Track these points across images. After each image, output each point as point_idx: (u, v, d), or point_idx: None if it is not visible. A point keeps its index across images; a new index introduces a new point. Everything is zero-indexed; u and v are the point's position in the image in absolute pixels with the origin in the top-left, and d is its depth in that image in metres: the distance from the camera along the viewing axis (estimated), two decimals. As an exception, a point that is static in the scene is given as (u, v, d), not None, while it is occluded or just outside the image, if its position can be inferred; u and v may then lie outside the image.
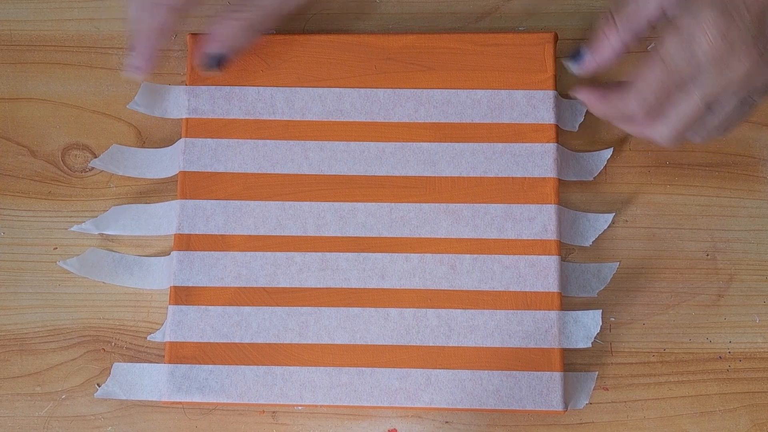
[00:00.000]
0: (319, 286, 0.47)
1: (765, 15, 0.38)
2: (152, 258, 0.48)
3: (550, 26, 0.52)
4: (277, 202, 0.48)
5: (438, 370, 0.45)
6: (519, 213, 0.47)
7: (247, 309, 0.47)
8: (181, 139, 0.49)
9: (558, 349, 0.45)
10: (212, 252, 0.47)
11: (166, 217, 0.48)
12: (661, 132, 0.42)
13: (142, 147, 0.50)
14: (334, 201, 0.48)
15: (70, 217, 0.49)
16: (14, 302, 0.48)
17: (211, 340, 0.46)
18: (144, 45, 0.46)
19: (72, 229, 0.48)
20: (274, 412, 0.47)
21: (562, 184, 0.48)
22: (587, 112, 0.49)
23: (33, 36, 0.53)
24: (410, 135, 0.49)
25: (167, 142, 0.50)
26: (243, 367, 0.46)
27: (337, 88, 0.49)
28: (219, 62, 0.47)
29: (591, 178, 0.49)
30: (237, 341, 0.46)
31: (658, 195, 0.49)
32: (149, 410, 0.47)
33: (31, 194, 0.50)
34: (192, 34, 0.50)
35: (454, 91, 0.49)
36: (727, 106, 0.40)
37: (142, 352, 0.48)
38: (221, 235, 0.47)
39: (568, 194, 0.49)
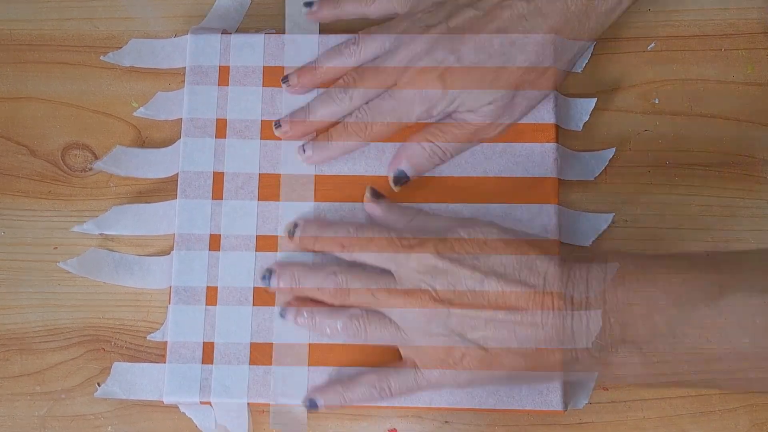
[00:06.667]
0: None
1: None
2: (152, 258, 0.49)
3: (550, 26, 0.52)
4: (277, 202, 0.48)
5: (438, 370, 0.45)
6: (519, 213, 0.47)
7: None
8: (181, 139, 0.49)
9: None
10: (212, 252, 0.47)
11: (166, 217, 0.48)
12: None
13: (143, 146, 0.50)
14: (334, 201, 0.48)
15: (71, 216, 0.49)
16: (14, 302, 0.48)
17: (211, 340, 0.46)
18: (304, 132, 0.48)
19: (73, 229, 0.48)
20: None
21: (562, 183, 0.48)
22: (592, 112, 0.49)
23: (33, 36, 0.53)
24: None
25: (167, 142, 0.50)
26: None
27: (338, 88, 0.49)
28: (400, 181, 0.47)
29: (592, 178, 0.49)
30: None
31: (658, 195, 0.49)
32: (149, 410, 0.47)
33: (31, 194, 0.50)
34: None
35: (454, 91, 0.49)
36: None
37: (142, 352, 0.48)
38: (221, 235, 0.47)
39: (568, 194, 0.49)
